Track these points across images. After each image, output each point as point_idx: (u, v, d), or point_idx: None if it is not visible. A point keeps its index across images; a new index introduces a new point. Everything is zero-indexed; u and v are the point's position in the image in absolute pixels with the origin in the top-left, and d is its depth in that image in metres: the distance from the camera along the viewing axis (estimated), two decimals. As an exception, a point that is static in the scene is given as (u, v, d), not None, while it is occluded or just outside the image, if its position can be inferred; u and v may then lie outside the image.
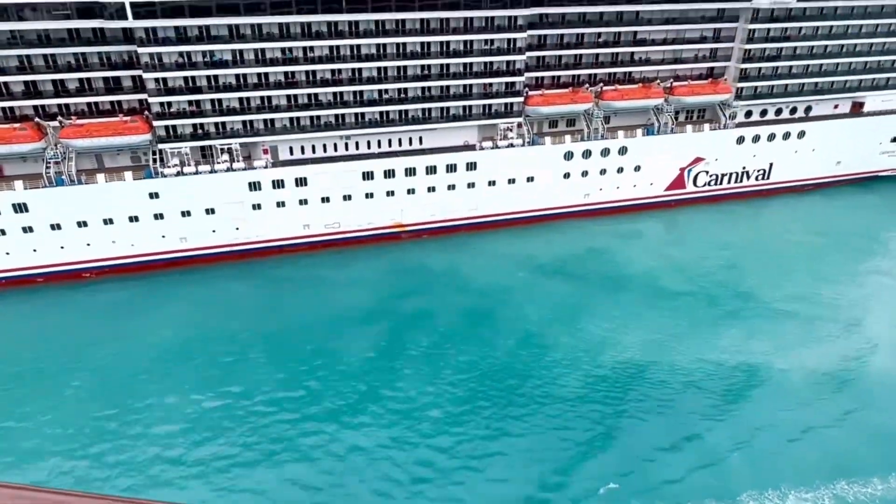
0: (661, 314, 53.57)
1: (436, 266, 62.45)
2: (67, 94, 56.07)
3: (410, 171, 64.26)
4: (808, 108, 78.05)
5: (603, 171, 70.72)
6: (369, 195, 64.09)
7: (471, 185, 66.86)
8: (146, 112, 57.70)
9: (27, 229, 56.12)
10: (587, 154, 69.13)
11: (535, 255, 64.03)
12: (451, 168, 65.40)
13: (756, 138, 74.83)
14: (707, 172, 75.13)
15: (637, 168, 71.78)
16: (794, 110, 77.65)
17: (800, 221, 73.11)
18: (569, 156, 68.64)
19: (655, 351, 48.61)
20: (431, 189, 65.73)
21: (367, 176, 63.17)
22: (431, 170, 64.82)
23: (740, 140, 74.30)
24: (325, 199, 62.96)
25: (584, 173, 70.18)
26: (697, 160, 73.88)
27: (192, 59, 56.45)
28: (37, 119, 55.39)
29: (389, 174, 63.73)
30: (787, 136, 75.72)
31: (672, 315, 53.40)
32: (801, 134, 76.18)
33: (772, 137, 75.26)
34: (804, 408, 42.66)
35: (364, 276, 60.59)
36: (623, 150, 70.23)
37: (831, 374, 46.04)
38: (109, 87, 56.88)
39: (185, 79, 56.94)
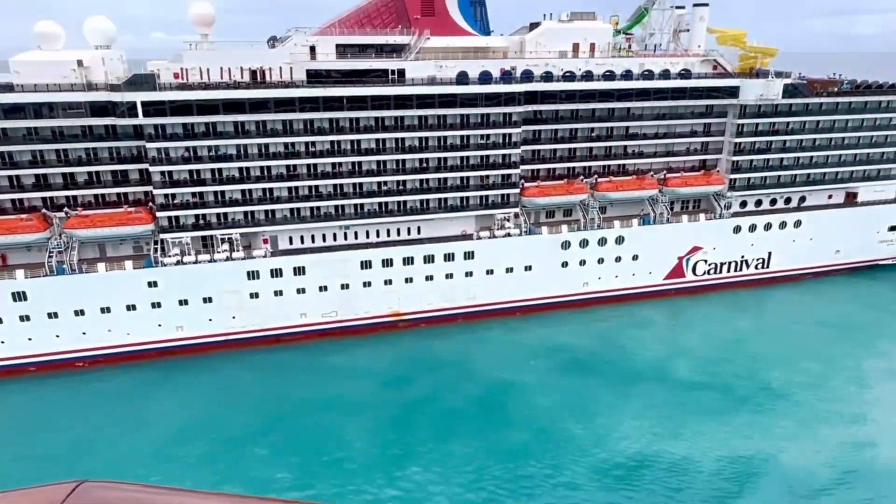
0: (674, 404, 52.22)
1: (441, 354, 61.54)
2: (76, 186, 57.93)
3: (408, 261, 64.80)
4: (803, 198, 79.17)
5: (601, 261, 71.04)
6: (367, 284, 64.32)
7: (469, 274, 67.13)
8: (150, 203, 59.28)
9: (24, 318, 56.28)
10: (584, 243, 69.73)
11: (543, 344, 63.14)
12: (449, 257, 65.95)
13: (753, 228, 75.49)
14: (706, 261, 75.29)
15: (635, 257, 72.10)
16: (788, 200, 78.76)
17: (804, 310, 72.23)
18: (566, 245, 69.23)
19: (668, 441, 47.08)
20: (429, 278, 65.98)
21: (365, 265, 63.68)
22: (429, 259, 65.36)
23: (737, 229, 74.95)
24: (323, 288, 63.19)
25: (583, 262, 70.49)
26: (695, 249, 74.25)
27: (198, 154, 58.62)
28: (44, 210, 56.95)
29: (387, 263, 64.24)
30: (783, 225, 76.39)
31: (685, 405, 52.07)
32: (798, 223, 76.88)
33: (768, 227, 75.93)
34: (816, 499, 40.66)
35: (368, 364, 59.57)
36: (620, 240, 70.84)
37: (844, 465, 44.17)
38: (117, 179, 58.80)
39: (190, 171, 58.87)
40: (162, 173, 58.13)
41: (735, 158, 73.76)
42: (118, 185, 58.92)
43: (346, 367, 59.35)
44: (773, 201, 78.32)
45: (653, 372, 57.89)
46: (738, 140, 72.97)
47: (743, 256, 76.66)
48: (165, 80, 57.46)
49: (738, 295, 75.82)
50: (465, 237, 67.24)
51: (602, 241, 70.32)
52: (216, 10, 62.79)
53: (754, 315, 71.11)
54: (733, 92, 71.26)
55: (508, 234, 67.56)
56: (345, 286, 63.76)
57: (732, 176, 74.26)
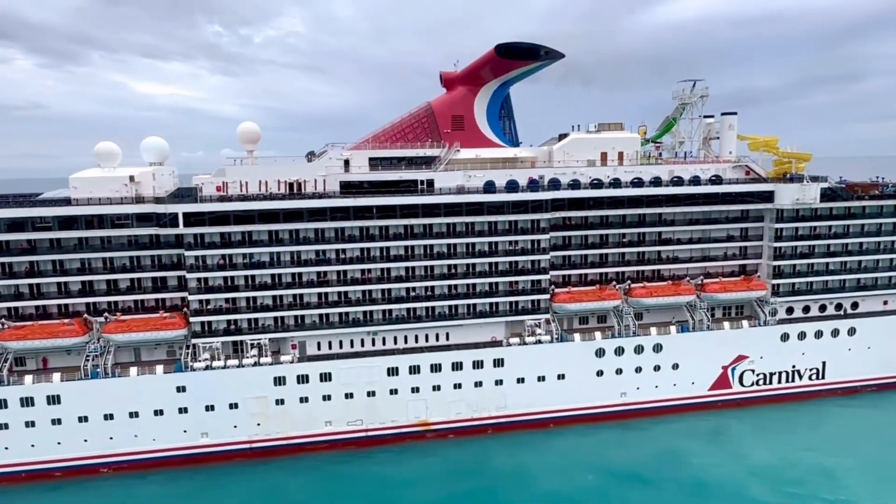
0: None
1: (484, 468, 59.05)
2: (118, 292, 60.56)
3: (436, 368, 63.61)
4: (855, 304, 74.96)
5: (638, 369, 67.95)
6: (393, 391, 63.09)
7: (498, 383, 65.15)
8: (185, 308, 61.10)
9: (56, 421, 57.20)
10: (620, 351, 67.18)
11: (596, 458, 59.99)
12: (478, 364, 64.45)
13: (802, 335, 71.36)
14: (753, 371, 70.95)
15: (675, 366, 68.70)
16: (839, 306, 74.67)
17: (871, 426, 66.16)
18: (600, 353, 66.84)
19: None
20: (458, 386, 64.29)
21: (392, 372, 62.80)
22: (457, 366, 64.01)
23: (784, 337, 70.98)
24: (349, 395, 62.25)
25: (619, 371, 67.57)
26: (740, 358, 70.33)
27: (233, 261, 60.87)
28: (85, 315, 59.37)
29: (414, 370, 63.19)
30: (836, 333, 71.96)
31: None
32: (852, 331, 72.31)
33: (819, 335, 71.64)
34: None
35: (401, 476, 57.36)
36: (658, 348, 67.97)
37: None
38: (157, 285, 61.27)
39: (225, 278, 60.89)
40: (198, 280, 60.33)
41: (776, 263, 71.28)
42: (157, 291, 61.28)
43: (377, 479, 56.97)
44: (823, 307, 74.36)
45: (723, 491, 53.58)
46: (777, 244, 70.84)
47: (794, 366, 71.97)
48: (208, 192, 61.12)
49: (794, 408, 70.38)
50: (495, 344, 65.92)
51: (639, 349, 67.61)
52: (261, 129, 67.68)
53: (818, 430, 65.50)
54: (768, 196, 70.18)
55: (539, 341, 65.90)
56: (371, 393, 62.68)
57: (775, 281, 71.44)
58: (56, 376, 57.22)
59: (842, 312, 74.24)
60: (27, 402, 56.40)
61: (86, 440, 58.12)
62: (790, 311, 73.61)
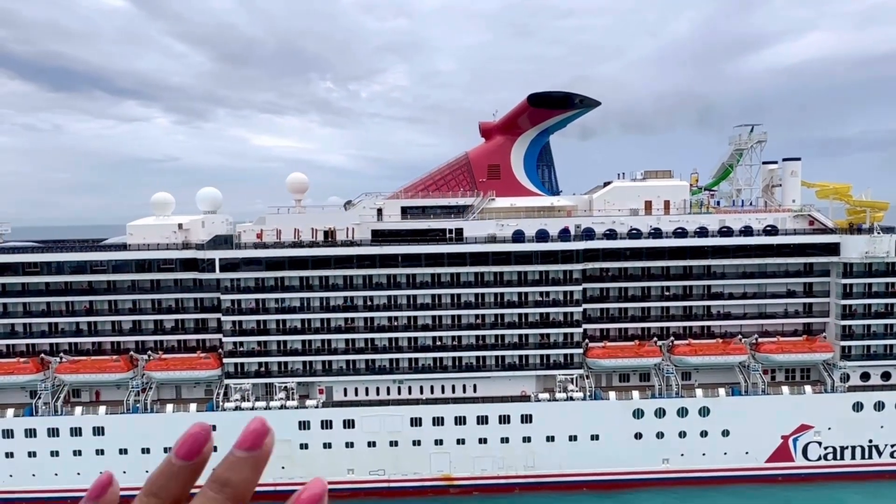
0: None
1: None
2: (163, 331, 64.68)
3: (460, 420, 62.10)
4: (948, 373, 65.58)
5: (682, 434, 62.73)
6: (416, 442, 62.10)
7: (526, 440, 62.40)
8: (220, 349, 64.06)
9: (100, 451, 61.13)
10: (660, 413, 62.51)
11: None
12: (505, 419, 62.24)
13: (880, 406, 63.16)
14: (819, 444, 63.37)
15: (725, 433, 62.79)
16: (928, 374, 65.62)
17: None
18: (639, 414, 62.50)
19: None
20: (483, 441, 62.26)
21: (415, 422, 61.98)
22: (483, 420, 62.15)
23: (858, 407, 63.11)
24: (372, 444, 61.98)
25: (660, 435, 62.71)
26: (803, 428, 63.16)
27: (266, 305, 63.39)
28: (131, 353, 63.73)
29: (438, 422, 62.04)
30: (922, 404, 63.10)
31: None
32: (942, 403, 63.11)
33: (901, 406, 63.12)
34: None
35: None
36: (705, 412, 62.58)
37: None
38: (198, 327, 64.86)
39: (257, 322, 63.42)
40: (232, 322, 63.26)
41: (845, 323, 64.12)
42: (198, 332, 64.81)
43: None
44: (907, 375, 65.67)
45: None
46: (845, 302, 63.90)
47: (871, 441, 63.56)
48: (247, 239, 64.55)
49: (872, 488, 61.77)
50: (522, 398, 63.53)
51: (682, 412, 62.56)
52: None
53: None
54: (833, 249, 63.88)
55: (570, 398, 62.77)
56: (394, 443, 62.04)
57: (844, 343, 64.16)
58: (101, 409, 61.48)
59: (929, 381, 65.16)
60: (76, 431, 60.84)
61: (125, 472, 61.34)
62: (866, 377, 65.55)
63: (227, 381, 63.21)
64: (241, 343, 63.66)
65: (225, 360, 63.24)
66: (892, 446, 63.76)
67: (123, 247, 64.33)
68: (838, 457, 63.67)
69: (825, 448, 63.52)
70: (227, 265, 61.73)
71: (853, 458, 63.74)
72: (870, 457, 63.86)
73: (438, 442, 62.12)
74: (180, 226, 64.86)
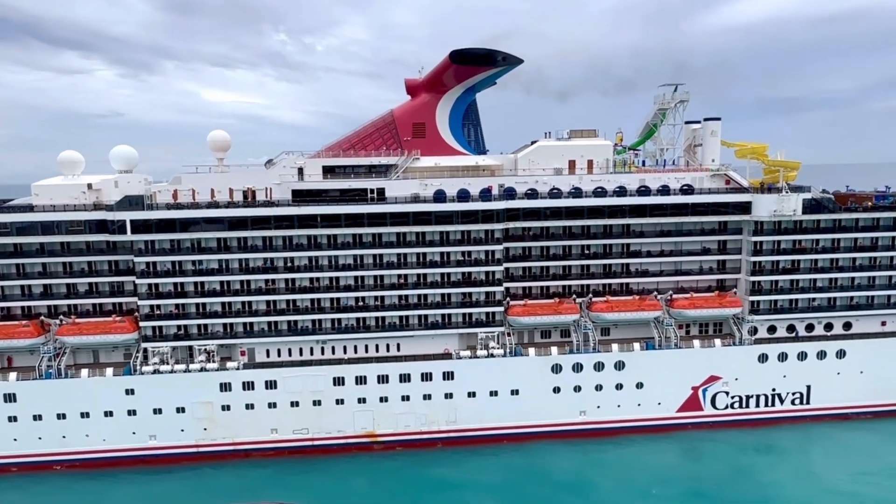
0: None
1: (441, 479, 58.22)
2: (77, 295, 62.77)
3: (383, 379, 62.83)
4: (847, 324, 69.29)
5: (599, 387, 65.02)
6: (340, 401, 62.72)
7: (448, 396, 63.71)
8: (136, 313, 62.67)
9: (12, 418, 59.76)
10: (578, 367, 64.48)
11: (545, 474, 58.45)
12: (427, 377, 63.24)
13: (783, 357, 66.55)
14: (727, 393, 66.67)
15: (639, 385, 65.37)
16: (829, 326, 69.20)
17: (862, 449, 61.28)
18: (557, 369, 64.35)
19: None
20: (405, 398, 63.28)
21: (338, 381, 62.45)
22: (405, 378, 63.01)
23: (763, 358, 66.37)
24: (295, 404, 62.30)
25: (577, 388, 64.86)
26: (712, 379, 66.24)
27: (182, 268, 62.01)
28: (42, 317, 61.80)
29: (361, 380, 62.64)
30: (822, 355, 66.72)
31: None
32: (841, 353, 66.88)
33: (803, 356, 66.60)
34: None
35: (343, 488, 56.80)
36: (620, 365, 64.85)
37: None
38: (113, 290, 63.14)
39: (174, 284, 62.08)
40: (148, 286, 61.79)
41: (755, 279, 66.75)
42: (113, 296, 63.17)
43: (319, 488, 56.59)
44: (810, 327, 69.12)
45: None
46: (755, 258, 66.37)
47: (774, 390, 67.20)
48: (162, 199, 62.54)
49: (774, 432, 65.47)
50: (444, 356, 64.52)
51: (599, 366, 64.69)
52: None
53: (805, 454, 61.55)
54: (745, 208, 65.86)
55: (491, 355, 64.07)
56: (317, 402, 62.51)
57: (753, 298, 66.92)
58: (12, 375, 59.83)
59: (829, 333, 68.78)
60: (-14, 399, 59.20)
61: (40, 438, 60.44)
62: (772, 330, 68.78)
63: (144, 345, 62.13)
64: (159, 306, 62.36)
65: (142, 324, 61.99)
66: (794, 394, 67.58)
67: (30, 208, 61.52)
68: (744, 405, 67.21)
69: (732, 397, 66.89)
70: (140, 226, 59.85)
71: (757, 406, 67.39)
72: (773, 405, 67.60)
73: (362, 400, 62.87)
74: (90, 186, 62.22)
